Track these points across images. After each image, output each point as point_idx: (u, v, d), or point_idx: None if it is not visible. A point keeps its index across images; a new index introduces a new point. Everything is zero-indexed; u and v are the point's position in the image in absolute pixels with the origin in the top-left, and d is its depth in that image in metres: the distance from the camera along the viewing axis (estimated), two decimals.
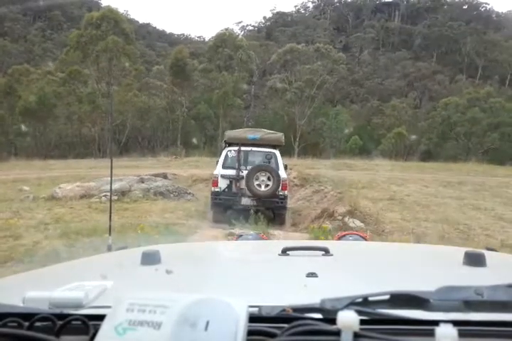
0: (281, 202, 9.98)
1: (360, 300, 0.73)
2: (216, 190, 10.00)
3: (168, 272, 1.13)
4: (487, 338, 0.69)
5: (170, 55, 42.33)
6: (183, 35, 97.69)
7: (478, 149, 37.97)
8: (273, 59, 39.30)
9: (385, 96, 61.53)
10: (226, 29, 38.67)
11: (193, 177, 19.64)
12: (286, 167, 10.89)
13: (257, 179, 9.67)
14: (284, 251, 1.39)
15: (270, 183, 9.67)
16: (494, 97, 40.68)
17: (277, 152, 10.20)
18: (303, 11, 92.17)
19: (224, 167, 9.98)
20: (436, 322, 0.63)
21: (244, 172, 9.71)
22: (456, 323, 0.62)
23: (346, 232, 2.43)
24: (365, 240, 2.23)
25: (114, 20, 32.22)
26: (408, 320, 0.71)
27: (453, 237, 9.34)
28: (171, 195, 12.53)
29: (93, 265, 1.51)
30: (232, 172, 9.82)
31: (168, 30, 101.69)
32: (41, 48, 72.44)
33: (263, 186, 9.71)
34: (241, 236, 2.59)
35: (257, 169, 9.67)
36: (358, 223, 9.27)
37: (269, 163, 9.94)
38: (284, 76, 38.64)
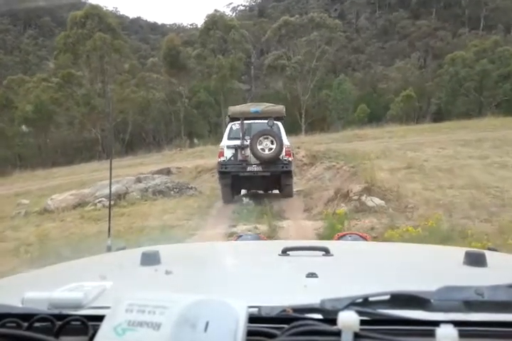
0: (286, 167, 10.16)
1: (360, 300, 0.72)
2: (222, 159, 10.31)
3: (167, 272, 1.10)
4: (488, 338, 0.68)
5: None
6: (175, 24, 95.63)
7: (490, 103, 36.12)
8: (268, 35, 37.53)
9: (388, 60, 59.41)
10: (216, 10, 36.89)
11: (198, 168, 18.56)
12: None
13: (260, 143, 9.96)
14: (284, 252, 1.36)
15: (273, 147, 9.95)
16: (502, 46, 38.46)
17: (279, 123, 10.53)
18: None
19: (229, 138, 10.36)
20: (436, 323, 0.63)
21: (249, 141, 10.04)
22: (456, 323, 0.62)
23: (346, 232, 2.36)
24: (365, 240, 2.17)
25: (97, 16, 30.89)
26: (408, 320, 0.70)
27: (487, 205, 8.11)
28: (171, 192, 11.49)
29: (92, 265, 1.49)
30: (236, 142, 10.18)
31: (159, 22, 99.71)
32: (36, 56, 71.44)
33: (267, 150, 9.99)
34: (241, 236, 2.50)
35: (260, 134, 9.97)
36: (377, 201, 8.10)
37: (272, 128, 10.16)
38: (281, 52, 36.91)
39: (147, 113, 40.10)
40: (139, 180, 11.81)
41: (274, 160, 10.02)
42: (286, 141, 10.37)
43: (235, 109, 10.94)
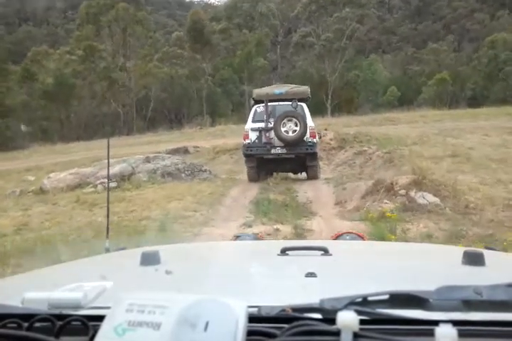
0: (311, 148, 9.91)
1: (359, 299, 0.72)
2: (247, 142, 10.15)
3: (167, 272, 1.08)
4: (487, 338, 0.68)
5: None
6: (203, 1, 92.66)
7: None
8: (297, 11, 35.08)
9: (420, 43, 56.03)
10: None
11: (216, 148, 16.94)
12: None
13: (284, 126, 9.76)
14: (283, 251, 1.34)
15: (297, 128, 9.74)
16: None
17: (304, 104, 10.24)
18: None
19: (254, 121, 10.17)
20: (435, 322, 0.63)
21: (273, 124, 9.85)
22: (455, 323, 0.62)
23: (343, 231, 2.19)
24: (362, 239, 2.07)
25: None
26: (408, 319, 0.70)
27: None
28: (183, 175, 9.97)
29: (92, 265, 1.48)
30: (261, 124, 10.01)
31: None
32: (64, 30, 69.90)
33: (290, 132, 9.79)
34: (239, 236, 2.31)
35: (284, 116, 9.74)
36: (430, 198, 6.37)
37: (296, 110, 9.90)
38: (310, 29, 34.53)
39: (170, 89, 38.57)
40: (147, 160, 10.28)
41: (298, 142, 9.78)
42: (310, 122, 10.11)
43: (259, 91, 10.70)
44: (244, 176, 11.40)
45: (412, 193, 6.46)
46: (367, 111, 28.93)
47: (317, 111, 22.37)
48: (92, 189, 9.36)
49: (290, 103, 9.95)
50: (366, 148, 14.27)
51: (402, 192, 6.59)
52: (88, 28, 30.90)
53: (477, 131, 17.05)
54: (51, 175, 10.24)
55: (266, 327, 0.66)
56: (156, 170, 9.92)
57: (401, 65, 47.87)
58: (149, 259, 1.23)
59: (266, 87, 11.29)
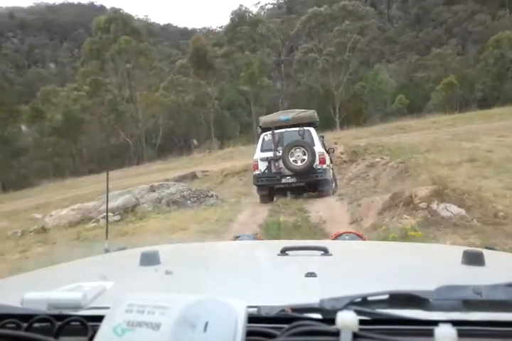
0: (321, 175, 9.77)
1: (359, 300, 0.71)
2: (257, 173, 10.05)
3: (167, 273, 1.08)
4: (486, 338, 0.67)
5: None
6: (205, 28, 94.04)
7: None
8: (297, 28, 34.99)
9: (423, 49, 55.64)
10: (241, 5, 34.74)
11: (224, 171, 16.46)
12: (323, 139, 11.01)
13: (292, 155, 9.67)
14: (283, 251, 1.33)
15: (306, 157, 9.61)
16: None
17: (312, 129, 10.01)
18: None
19: (262, 150, 10.04)
20: (435, 322, 0.62)
21: (281, 153, 9.75)
22: (455, 323, 0.62)
23: (342, 231, 2.16)
24: (362, 239, 2.05)
25: (121, 19, 29.31)
26: (407, 319, 0.69)
27: None
28: (188, 202, 9.46)
29: (92, 266, 1.46)
30: (269, 154, 9.87)
31: (189, 27, 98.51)
32: (71, 68, 71.48)
33: (299, 161, 9.67)
34: (239, 236, 2.31)
35: (291, 145, 9.62)
36: (454, 209, 5.73)
37: (303, 138, 9.75)
38: (311, 45, 34.34)
39: (178, 116, 38.63)
40: (152, 189, 9.82)
41: (307, 171, 9.63)
42: (319, 147, 9.92)
43: (265, 118, 10.58)
44: (254, 199, 11.05)
45: (434, 205, 5.83)
46: (376, 121, 28.34)
47: (326, 125, 21.85)
48: (95, 224, 8.90)
49: (298, 129, 9.80)
50: (379, 160, 13.64)
51: (423, 205, 5.95)
52: (93, 64, 31.17)
53: (492, 132, 16.32)
54: (53, 212, 9.85)
55: (265, 327, 0.66)
56: (161, 199, 9.45)
57: (406, 72, 47.36)
58: (149, 259, 1.22)
59: (272, 114, 11.04)
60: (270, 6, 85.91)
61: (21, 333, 0.65)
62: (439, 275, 1.14)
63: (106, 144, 36.10)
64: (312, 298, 0.72)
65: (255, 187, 10.65)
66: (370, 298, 0.71)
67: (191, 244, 3.18)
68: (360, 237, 2.07)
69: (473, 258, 1.17)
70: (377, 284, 0.98)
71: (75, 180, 27.54)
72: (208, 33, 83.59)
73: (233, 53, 33.66)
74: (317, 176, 9.70)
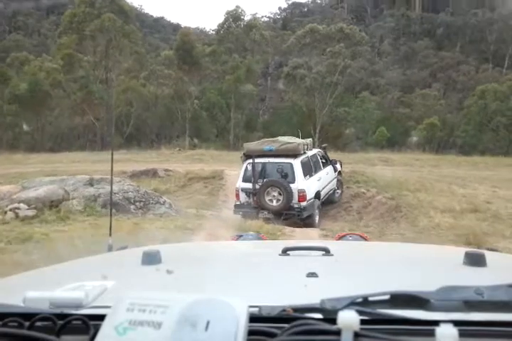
0: (299, 213, 9.22)
1: (360, 300, 0.71)
2: (237, 203, 9.74)
3: (168, 272, 1.07)
4: (487, 338, 0.67)
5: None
6: (198, 28, 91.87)
7: None
8: (291, 42, 33.37)
9: (407, 88, 55.38)
10: (237, 7, 32.80)
11: (190, 174, 14.23)
12: (339, 164, 11.74)
13: (268, 194, 9.27)
14: (285, 251, 1.33)
15: (281, 198, 9.20)
16: None
17: (295, 161, 9.47)
18: (319, 1, 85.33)
19: (244, 180, 9.69)
20: (436, 322, 0.62)
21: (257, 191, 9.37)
22: (456, 323, 0.61)
23: (346, 233, 2.17)
24: (366, 240, 2.01)
25: None
26: (408, 320, 0.69)
27: None
28: (132, 207, 7.29)
29: (93, 265, 1.45)
30: (250, 185, 9.51)
31: (183, 24, 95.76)
32: (54, 42, 67.42)
33: (275, 201, 9.29)
34: (241, 236, 2.26)
35: (267, 185, 9.26)
36: None
37: (285, 175, 9.37)
38: (302, 60, 32.74)
39: (154, 109, 36.10)
40: (90, 183, 7.47)
41: (284, 210, 9.19)
42: (301, 183, 9.30)
43: (249, 146, 10.03)
44: (219, 212, 9.19)
45: None
46: (355, 148, 26.96)
47: None
48: None
49: (279, 161, 9.38)
50: (364, 191, 11.80)
51: None
52: (71, 38, 28.33)
53: (483, 181, 14.90)
54: None
55: (267, 326, 0.65)
56: (97, 196, 7.20)
57: (388, 107, 46.64)
58: (150, 259, 1.19)
59: (256, 142, 10.30)
60: (266, 19, 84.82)
61: (23, 332, 0.64)
62: (440, 276, 1.12)
63: (74, 123, 33.13)
64: (313, 298, 0.71)
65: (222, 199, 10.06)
66: (371, 298, 0.69)
67: (193, 243, 3.27)
68: (364, 239, 1.99)
69: (475, 259, 1.13)
70: (378, 284, 0.95)
71: (27, 156, 24.63)
72: (200, 33, 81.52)
73: (221, 54, 31.53)
74: (294, 215, 9.16)
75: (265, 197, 9.21)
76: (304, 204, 9.20)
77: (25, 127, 27.15)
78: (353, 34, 31.21)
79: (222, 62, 32.22)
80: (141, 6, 77.40)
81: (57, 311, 0.71)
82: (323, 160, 11.15)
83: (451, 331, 0.57)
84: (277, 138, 10.10)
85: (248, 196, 9.53)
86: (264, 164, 9.52)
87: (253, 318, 0.61)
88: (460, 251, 1.24)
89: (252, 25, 31.17)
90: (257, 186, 9.30)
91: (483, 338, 0.65)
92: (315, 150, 11.05)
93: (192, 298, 0.58)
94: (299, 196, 9.14)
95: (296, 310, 0.70)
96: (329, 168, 11.23)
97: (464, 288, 0.71)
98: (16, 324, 0.67)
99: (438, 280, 0.89)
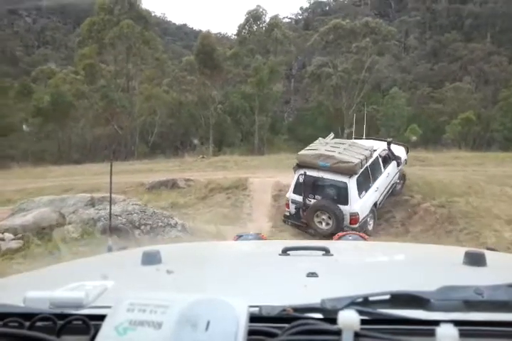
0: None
1: (360, 299, 0.71)
2: (287, 213, 9.39)
3: (168, 272, 1.07)
4: (488, 338, 0.67)
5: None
6: (220, 33, 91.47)
7: None
8: (314, 40, 31.88)
9: (436, 83, 52.90)
10: (258, 6, 31.57)
11: (211, 184, 13.02)
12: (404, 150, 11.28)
13: (317, 216, 8.70)
14: (285, 251, 1.32)
15: (330, 222, 8.56)
16: None
17: (351, 181, 8.59)
18: None
19: (294, 191, 9.23)
20: (436, 322, 0.61)
21: (312, 201, 8.85)
22: (456, 323, 0.61)
23: (345, 232, 2.14)
24: (365, 240, 2.01)
25: (128, 2, 25.97)
26: (409, 319, 0.69)
27: None
28: (136, 233, 6.10)
29: (94, 265, 1.43)
30: (300, 199, 9.03)
31: (205, 30, 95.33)
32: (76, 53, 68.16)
33: (324, 224, 8.63)
34: (241, 236, 2.25)
35: (315, 209, 8.71)
36: None
37: (337, 194, 8.69)
38: (327, 59, 31.19)
39: (178, 115, 35.32)
40: (91, 203, 6.32)
41: (333, 234, 6.89)
42: (355, 205, 8.60)
43: (303, 157, 9.28)
44: (243, 228, 8.21)
45: None
46: None
47: None
48: None
49: (333, 178, 8.69)
50: (407, 197, 10.27)
51: None
52: (91, 46, 27.76)
53: None
54: None
55: (267, 326, 0.64)
56: (97, 220, 6.06)
57: (417, 103, 44.47)
58: (150, 259, 1.18)
59: (311, 154, 9.20)
60: (288, 20, 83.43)
61: (24, 332, 0.63)
62: (440, 276, 1.10)
63: (99, 134, 32.61)
64: (313, 298, 0.70)
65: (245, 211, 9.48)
66: (371, 298, 0.69)
67: (192, 243, 3.41)
68: (363, 238, 1.98)
69: (475, 259, 1.12)
70: (378, 284, 0.94)
71: (48, 168, 24.01)
72: (222, 38, 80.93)
73: (243, 56, 30.36)
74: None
75: (314, 219, 8.71)
76: (355, 226, 8.47)
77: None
78: (379, 28, 29.44)
79: (244, 65, 31.06)
80: (164, 14, 77.50)
81: (58, 311, 0.70)
82: (387, 158, 10.12)
83: (452, 331, 0.56)
84: (332, 155, 8.93)
85: (298, 210, 9.07)
86: (316, 179, 8.93)
87: (253, 318, 0.61)
88: (460, 251, 1.21)
89: (274, 24, 29.86)
90: (308, 201, 8.83)
91: (483, 338, 0.65)
92: (379, 151, 9.88)
93: (192, 298, 0.57)
94: (351, 219, 8.56)
95: (296, 309, 0.69)
96: (391, 166, 10.12)
97: (463, 287, 0.70)
98: (16, 324, 0.66)
99: (438, 280, 0.87)
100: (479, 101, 40.00)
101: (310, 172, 8.89)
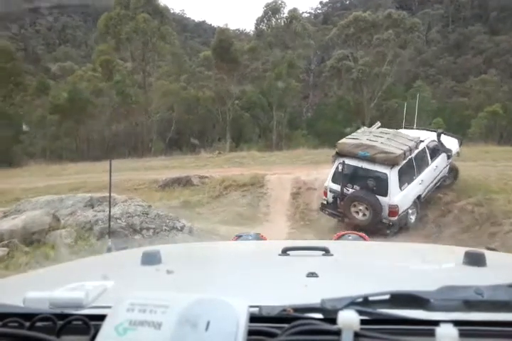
0: (388, 229, 8.16)
1: (360, 300, 0.70)
2: (324, 201, 9.15)
3: (168, 272, 1.06)
4: (487, 338, 0.66)
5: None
6: (239, 30, 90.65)
7: None
8: (333, 33, 30.79)
9: (460, 76, 51.21)
10: None
11: (226, 181, 12.23)
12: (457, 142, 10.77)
13: (354, 206, 8.42)
14: (284, 251, 1.31)
15: (367, 213, 8.25)
16: None
17: (391, 172, 8.16)
18: None
19: (333, 180, 9.00)
20: (436, 322, 0.61)
21: (350, 191, 8.62)
22: (456, 323, 0.60)
23: (345, 232, 2.12)
24: (364, 240, 2.00)
25: None
26: (408, 319, 0.68)
27: None
28: (137, 237, 5.24)
29: (94, 265, 1.42)
30: (338, 188, 8.77)
31: (223, 27, 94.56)
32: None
33: (361, 214, 8.39)
34: (241, 236, 2.26)
35: (352, 199, 8.40)
36: None
37: (377, 185, 8.27)
38: (347, 52, 30.07)
39: (195, 112, 34.67)
40: (90, 204, 5.61)
41: (371, 225, 8.09)
42: (394, 197, 8.22)
43: (342, 146, 8.90)
44: (259, 228, 7.28)
45: None
46: None
47: None
48: None
49: (374, 168, 8.30)
50: (440, 195, 9.32)
51: None
52: (108, 43, 27.25)
53: None
54: None
55: (267, 326, 0.64)
56: (93, 223, 5.37)
57: (441, 97, 42.91)
58: (150, 259, 1.17)
59: (352, 142, 8.77)
60: (307, 15, 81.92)
61: (24, 332, 0.63)
62: (440, 276, 1.10)
63: (115, 131, 32.24)
64: (313, 298, 0.70)
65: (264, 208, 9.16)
66: (371, 298, 0.68)
67: (192, 243, 3.36)
68: (363, 238, 1.99)
69: (475, 259, 1.11)
70: (378, 284, 0.94)
71: (64, 165, 23.58)
72: (240, 34, 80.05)
73: (261, 50, 29.44)
74: (382, 229, 8.04)
75: (351, 209, 8.40)
76: (394, 219, 8.21)
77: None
78: (403, 20, 28.13)
79: (262, 60, 30.18)
80: (183, 10, 76.98)
81: (58, 311, 0.70)
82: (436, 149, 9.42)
83: (451, 331, 0.56)
84: (373, 144, 8.41)
85: (335, 199, 8.80)
86: (356, 168, 8.58)
87: (253, 318, 0.61)
88: (460, 251, 1.20)
89: (293, 16, 28.87)
90: (346, 190, 8.55)
91: (483, 338, 0.64)
92: (427, 142, 9.21)
93: (192, 298, 0.57)
94: (389, 211, 8.18)
95: (296, 309, 0.69)
96: (440, 159, 9.40)
97: (463, 287, 0.70)
98: (16, 324, 0.66)
99: (438, 279, 0.87)
100: (505, 94, 38.34)
101: (350, 162, 8.56)
